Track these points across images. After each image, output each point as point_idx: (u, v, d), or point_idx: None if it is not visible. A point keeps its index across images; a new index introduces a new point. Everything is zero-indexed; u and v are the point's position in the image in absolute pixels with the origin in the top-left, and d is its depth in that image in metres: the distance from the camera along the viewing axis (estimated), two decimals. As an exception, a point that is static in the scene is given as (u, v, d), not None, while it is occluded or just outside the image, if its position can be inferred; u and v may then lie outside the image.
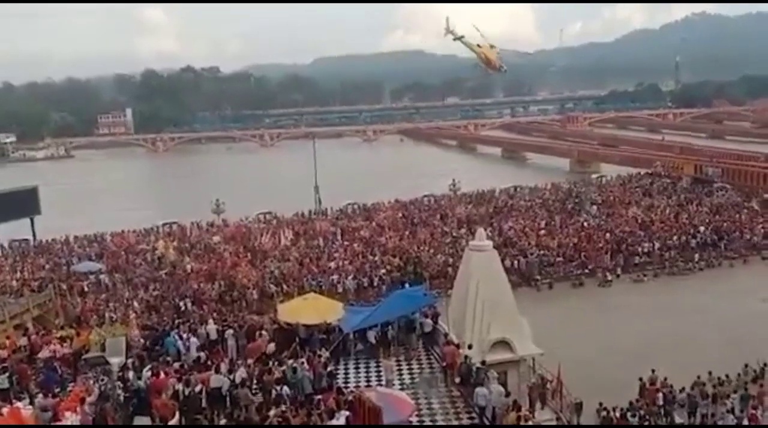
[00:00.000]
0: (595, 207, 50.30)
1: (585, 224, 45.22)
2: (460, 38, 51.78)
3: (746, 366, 23.52)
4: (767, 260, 39.97)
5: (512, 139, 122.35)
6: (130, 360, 17.78)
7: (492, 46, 53.16)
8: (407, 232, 45.71)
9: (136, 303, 31.44)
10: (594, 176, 67.33)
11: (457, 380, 17.38)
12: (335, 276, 35.75)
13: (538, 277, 37.14)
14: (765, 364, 23.72)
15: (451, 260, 37.12)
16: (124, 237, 48.44)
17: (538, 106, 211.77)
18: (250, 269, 37.23)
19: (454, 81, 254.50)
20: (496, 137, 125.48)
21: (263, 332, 20.52)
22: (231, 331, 20.93)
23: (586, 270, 37.93)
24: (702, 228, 42.73)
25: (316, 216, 51.64)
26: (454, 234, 44.26)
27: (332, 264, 37.97)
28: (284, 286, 34.17)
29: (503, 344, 19.94)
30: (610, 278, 37.20)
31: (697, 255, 39.52)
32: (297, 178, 68.09)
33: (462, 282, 21.74)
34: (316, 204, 54.78)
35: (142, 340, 20.70)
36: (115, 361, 16.41)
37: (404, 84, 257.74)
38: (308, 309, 20.87)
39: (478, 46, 52.46)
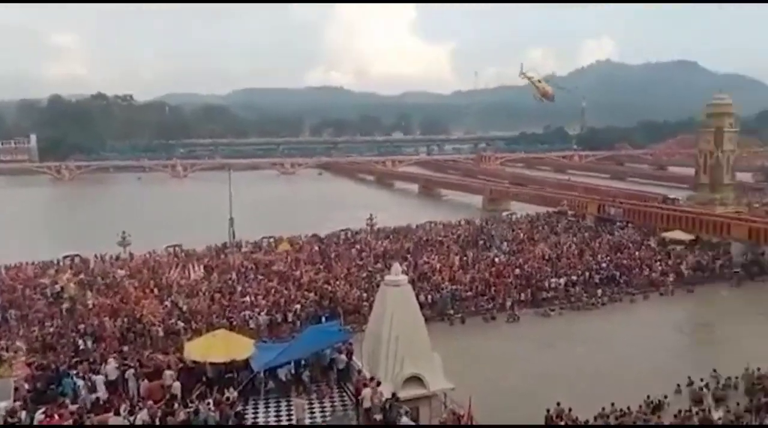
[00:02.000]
0: (505, 243, 51.85)
1: (496, 260, 46.45)
2: (528, 77, 66.07)
3: (648, 397, 24.61)
4: (665, 296, 42.20)
5: (429, 175, 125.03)
6: (18, 404, 16.48)
7: (547, 81, 68.98)
8: (323, 267, 45.43)
9: (20, 343, 29.00)
10: (505, 213, 69.57)
11: (376, 416, 17.19)
12: (247, 312, 34.82)
13: (451, 312, 37.62)
14: (665, 396, 24.88)
15: (366, 295, 37.13)
16: (21, 270, 45.45)
17: (453, 144, 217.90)
18: (157, 304, 35.64)
19: (374, 118, 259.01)
20: (414, 173, 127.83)
21: (168, 371, 19.60)
22: (132, 371, 19.87)
23: (497, 305, 38.81)
24: (604, 265, 44.91)
25: (230, 250, 50.40)
26: (371, 268, 44.35)
27: (245, 300, 37.04)
28: (192, 323, 32.91)
29: (416, 379, 19.94)
30: (518, 313, 38.19)
31: (600, 291, 41.28)
32: (210, 210, 66.44)
33: (377, 317, 21.67)
34: (229, 237, 53.46)
35: (26, 385, 19.15)
36: (1, 405, 15.16)
37: (324, 119, 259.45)
38: (217, 347, 20.14)
39: (539, 81, 67.09)
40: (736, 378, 26.53)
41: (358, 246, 52.40)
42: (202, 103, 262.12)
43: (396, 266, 22.66)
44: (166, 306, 35.74)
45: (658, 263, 46.03)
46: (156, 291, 38.87)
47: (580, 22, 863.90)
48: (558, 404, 23.01)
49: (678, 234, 51.66)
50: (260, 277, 42.63)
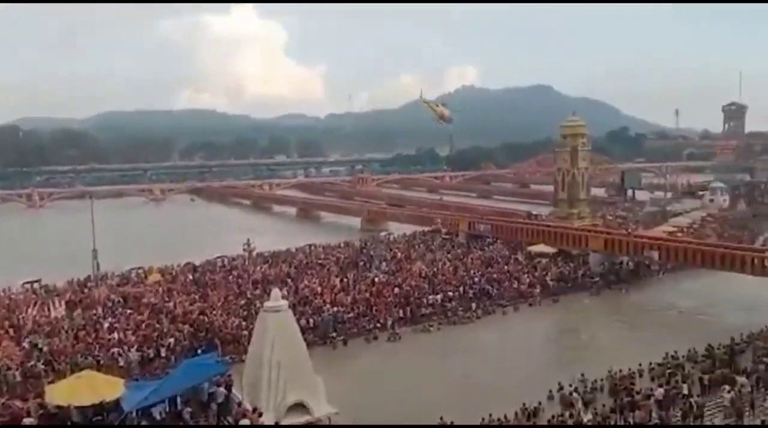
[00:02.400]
0: (384, 263, 52.62)
1: (376, 280, 46.98)
2: (426, 102, 73.17)
3: (524, 405, 25.76)
4: (533, 306, 44.62)
5: (307, 198, 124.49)
6: None
7: (444, 105, 78.57)
8: (198, 296, 43.72)
9: None
10: (383, 234, 70.69)
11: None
12: (116, 349, 32.68)
13: (333, 334, 37.49)
14: (539, 403, 26.17)
15: (245, 323, 36.13)
16: None
17: (330, 167, 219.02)
18: (13, 346, 32.54)
19: (248, 141, 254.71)
20: (291, 196, 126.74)
21: (28, 419, 17.90)
22: (-16, 422, 17.97)
23: (378, 325, 39.17)
24: (477, 279, 46.82)
25: (94, 283, 47.17)
26: (249, 295, 43.27)
27: (112, 336, 34.74)
28: (54, 364, 30.36)
29: (300, 406, 19.61)
30: (398, 331, 38.76)
31: (474, 305, 42.92)
32: (71, 241, 61.99)
33: (257, 345, 21.16)
34: (93, 270, 49.99)
35: None
36: None
37: (195, 142, 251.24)
38: (82, 389, 18.66)
39: (437, 105, 76.38)
40: (601, 380, 28.51)
41: (235, 273, 51.00)
42: (60, 127, 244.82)
43: (275, 291, 22.30)
44: (24, 347, 32.76)
45: (526, 275, 48.61)
46: (12, 332, 35.53)
47: (446, 50, 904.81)
48: (441, 418, 23.56)
49: (542, 248, 54.91)
50: (129, 311, 40.18)
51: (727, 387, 25.93)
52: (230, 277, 49.55)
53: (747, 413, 24.36)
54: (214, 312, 38.98)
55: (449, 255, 56.13)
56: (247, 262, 54.89)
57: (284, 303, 21.84)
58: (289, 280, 47.47)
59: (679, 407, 24.88)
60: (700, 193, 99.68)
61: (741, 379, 26.64)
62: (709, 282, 47.44)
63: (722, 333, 33.54)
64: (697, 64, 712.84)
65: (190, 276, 50.32)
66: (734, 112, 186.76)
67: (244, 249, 56.65)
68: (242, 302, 41.59)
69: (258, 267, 52.55)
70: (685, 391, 26.27)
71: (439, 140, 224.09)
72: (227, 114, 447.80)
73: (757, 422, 23.84)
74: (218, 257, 56.57)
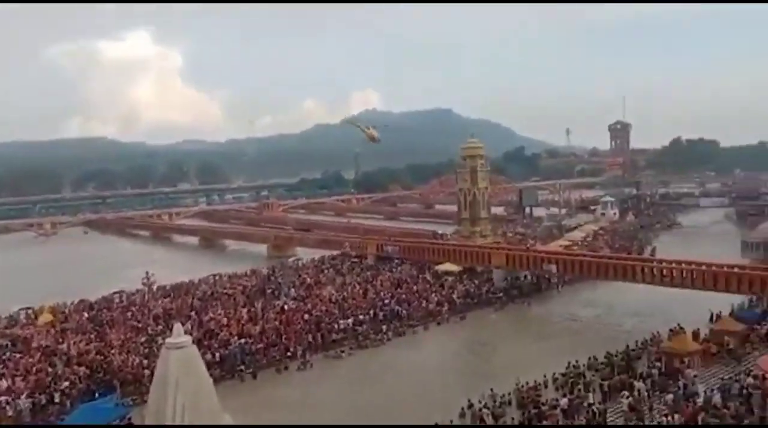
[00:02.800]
0: (293, 290, 51.86)
1: (285, 307, 46.18)
2: (354, 123, 77.60)
3: (436, 424, 25.93)
4: (442, 324, 45.26)
5: (210, 226, 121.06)
6: None
7: (374, 127, 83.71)
8: (95, 335, 41.27)
9: None
10: (291, 259, 69.76)
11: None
12: (4, 398, 30.18)
13: (242, 367, 36.33)
14: (451, 421, 26.43)
15: (146, 361, 34.42)
16: None
17: (234, 193, 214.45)
18: None
19: (145, 169, 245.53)
20: (193, 226, 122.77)
21: None
22: None
23: (289, 354, 38.37)
24: (387, 301, 47.03)
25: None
26: (150, 331, 41.37)
27: (0, 383, 32.06)
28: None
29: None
30: (310, 359, 38.13)
31: (385, 327, 43.02)
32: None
33: (159, 384, 20.04)
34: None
35: None
36: None
37: (87, 172, 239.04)
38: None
39: (367, 128, 79.59)
40: (509, 394, 29.21)
41: (134, 309, 48.64)
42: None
43: (177, 326, 21.30)
44: None
45: (434, 294, 49.35)
46: None
47: (348, 74, 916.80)
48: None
49: (448, 266, 56.07)
50: (18, 355, 37.36)
51: (626, 393, 27.30)
52: (129, 314, 47.33)
53: (646, 415, 25.69)
54: (113, 351, 37.00)
55: (359, 278, 56.16)
56: (146, 297, 52.59)
57: (187, 338, 20.88)
58: (192, 313, 45.85)
59: (582, 415, 25.87)
60: (592, 207, 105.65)
61: (638, 384, 28.12)
62: (605, 292, 50.05)
63: (620, 340, 35.41)
64: (585, 86, 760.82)
65: (85, 315, 47.67)
66: (619, 131, 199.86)
67: (143, 283, 54.22)
68: (142, 339, 39.74)
69: (159, 302, 50.51)
70: (591, 400, 27.36)
71: (344, 163, 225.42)
72: (120, 141, 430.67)
73: (655, 423, 25.11)
74: (115, 293, 53.88)
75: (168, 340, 20.97)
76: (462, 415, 27.65)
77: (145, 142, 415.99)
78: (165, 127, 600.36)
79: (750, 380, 26.80)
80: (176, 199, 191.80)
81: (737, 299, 40.95)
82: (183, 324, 22.78)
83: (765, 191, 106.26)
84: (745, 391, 25.63)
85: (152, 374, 24.01)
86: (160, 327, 41.95)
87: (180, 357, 19.91)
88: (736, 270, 41.97)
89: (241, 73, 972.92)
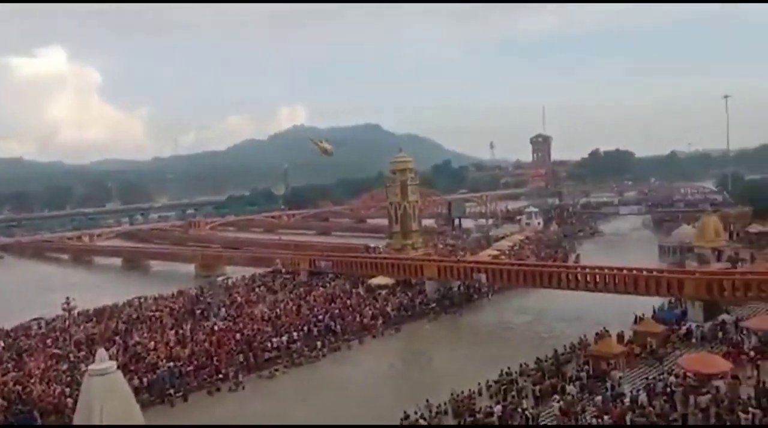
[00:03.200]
0: (223, 309, 50.62)
1: (215, 328, 44.97)
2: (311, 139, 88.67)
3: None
4: (377, 338, 45.19)
5: (133, 247, 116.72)
6: None
7: (327, 140, 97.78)
8: (12, 365, 38.92)
9: None
10: (220, 278, 68.15)
11: None
12: None
13: (171, 391, 35.05)
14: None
15: (68, 390, 32.75)
16: None
17: (158, 212, 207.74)
18: None
19: (63, 190, 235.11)
20: (116, 247, 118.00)
21: None
22: None
23: (220, 376, 37.31)
24: (321, 317, 46.58)
25: None
26: (72, 358, 39.40)
27: None
28: None
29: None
30: (242, 379, 37.20)
31: (319, 342, 42.54)
32: None
33: (83, 414, 19.04)
34: None
35: None
36: None
37: (1, 194, 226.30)
38: None
39: (321, 142, 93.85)
40: (445, 404, 29.41)
41: (54, 335, 46.21)
42: None
43: (101, 352, 20.34)
44: None
45: (368, 308, 49.28)
46: None
47: (274, 91, 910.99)
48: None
49: (381, 280, 56.21)
50: None
51: (557, 397, 28.01)
52: (48, 341, 44.86)
53: (579, 417, 26.40)
54: (32, 380, 35.04)
55: (291, 295, 55.44)
56: (67, 322, 50.04)
57: (112, 364, 19.95)
58: (117, 338, 43.96)
59: (516, 421, 26.33)
60: (518, 217, 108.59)
61: (568, 387, 28.93)
62: (534, 299, 51.39)
63: (550, 346, 36.37)
64: (508, 100, 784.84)
65: (1, 344, 44.84)
66: (541, 143, 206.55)
67: (63, 309, 51.67)
68: (64, 367, 37.85)
69: (81, 327, 48.18)
70: (524, 405, 27.89)
71: (273, 180, 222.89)
72: (37, 161, 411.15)
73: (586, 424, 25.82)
74: (34, 319, 51.16)
75: (91, 367, 19.98)
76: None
77: (62, 162, 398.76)
78: (84, 146, 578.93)
79: (672, 378, 28.07)
80: (97, 219, 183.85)
81: (657, 301, 42.90)
82: (107, 350, 21.84)
83: (678, 198, 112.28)
84: (668, 389, 26.79)
85: (75, 403, 22.84)
86: (83, 353, 40.06)
87: (104, 384, 19.00)
88: (654, 273, 44.00)
89: (162, 89, 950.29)
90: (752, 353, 30.48)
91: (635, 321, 38.84)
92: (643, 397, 26.57)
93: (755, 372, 27.70)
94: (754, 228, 71.48)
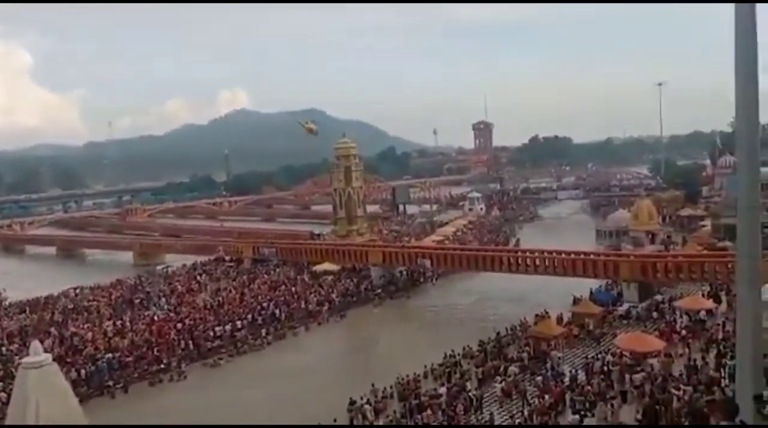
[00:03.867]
0: (163, 299, 49.50)
1: (155, 317, 43.97)
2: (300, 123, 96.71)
3: (318, 424, 25.85)
4: (322, 324, 45.14)
5: (67, 236, 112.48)
6: None
7: (314, 121, 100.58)
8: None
9: None
10: (160, 267, 66.54)
11: None
12: None
13: (111, 383, 34.15)
14: (335, 419, 26.40)
15: (2, 384, 31.44)
16: None
17: (94, 199, 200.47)
18: None
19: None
20: (49, 235, 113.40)
21: None
22: None
23: (162, 366, 36.55)
24: (265, 304, 46.15)
25: None
26: (5, 351, 37.87)
27: None
28: None
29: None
30: (184, 369, 36.56)
31: (264, 330, 42.19)
32: None
33: (17, 408, 18.20)
34: None
35: None
36: None
37: None
38: None
39: (306, 122, 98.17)
40: (391, 387, 29.68)
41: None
42: None
43: (35, 344, 19.46)
44: None
45: (313, 295, 49.12)
46: None
47: (213, 74, 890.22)
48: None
49: (326, 266, 56.07)
50: None
51: (499, 378, 28.69)
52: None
53: (515, 397, 27.11)
54: (-41, 377, 33.30)
55: (234, 283, 54.67)
56: (-2, 314, 47.96)
57: (47, 356, 19.13)
58: (52, 329, 42.40)
59: (460, 402, 26.82)
60: (461, 203, 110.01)
61: (510, 368, 29.64)
62: (476, 282, 52.32)
63: (492, 328, 37.07)
64: (450, 87, 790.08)
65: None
66: (483, 130, 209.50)
67: (-7, 300, 49.45)
68: (-5, 361, 36.19)
69: (13, 319, 46.16)
70: (468, 387, 28.42)
71: (213, 166, 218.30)
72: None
73: (525, 403, 26.51)
74: (-40, 312, 48.59)
75: (25, 359, 19.20)
76: (349, 411, 27.70)
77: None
78: (15, 130, 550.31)
79: (609, 357, 29.10)
80: (29, 207, 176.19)
81: (595, 283, 44.36)
82: (42, 342, 21.02)
83: (614, 183, 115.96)
84: (605, 368, 27.77)
85: (9, 397, 21.94)
86: (16, 345, 38.48)
87: (39, 377, 18.23)
88: (591, 256, 45.45)
89: (97, 72, 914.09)
90: (683, 332, 31.87)
91: (573, 303, 40.08)
92: (581, 376, 27.50)
93: (686, 350, 29.03)
94: (686, 211, 74.72)
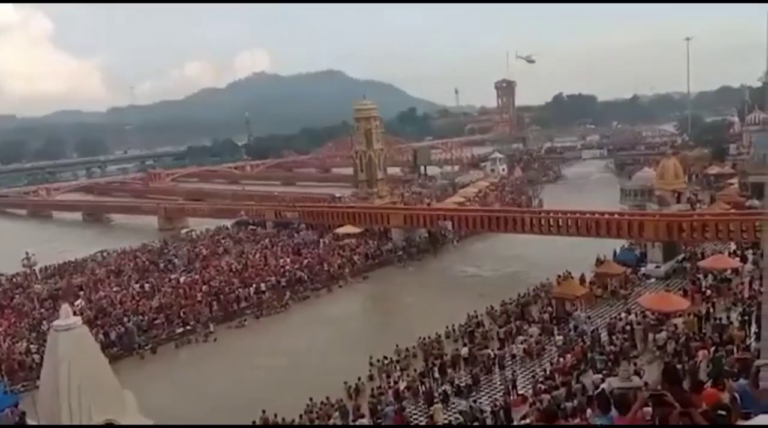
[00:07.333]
0: (188, 262, 50.22)
1: (181, 280, 44.70)
2: None
3: (346, 383, 26.38)
4: (344, 286, 45.55)
5: (93, 201, 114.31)
6: None
7: None
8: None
9: None
10: (184, 231, 67.39)
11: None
12: None
13: (139, 344, 35.00)
14: (359, 378, 26.90)
15: (34, 346, 32.41)
16: None
17: (117, 165, 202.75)
18: None
19: (17, 144, 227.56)
20: (75, 201, 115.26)
21: None
22: None
23: (188, 327, 37.31)
24: (288, 267, 46.61)
25: None
26: (36, 315, 38.85)
27: None
28: None
29: (109, 426, 17.90)
30: (212, 330, 37.29)
31: (288, 293, 42.72)
32: None
33: (50, 370, 18.68)
34: None
35: None
36: None
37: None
38: None
39: None
40: (414, 347, 30.02)
41: (16, 292, 45.38)
42: None
43: (65, 307, 19.88)
44: None
45: (335, 257, 49.46)
46: None
47: (233, 35, 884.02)
48: (263, 412, 23.17)
49: (348, 229, 56.21)
50: None
51: (520, 338, 28.81)
52: (11, 298, 44.03)
53: (536, 357, 27.28)
54: (-5, 338, 34.46)
55: (258, 246, 55.21)
56: (29, 279, 49.08)
57: (77, 319, 19.49)
58: (81, 293, 43.41)
59: (481, 362, 27.05)
60: (483, 164, 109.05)
61: (531, 329, 29.73)
62: (499, 244, 52.20)
63: (514, 289, 37.08)
64: (472, 45, 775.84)
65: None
66: (505, 89, 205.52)
67: (23, 265, 50.47)
68: (28, 323, 37.21)
69: (43, 283, 47.31)
70: (490, 347, 28.62)
71: (234, 130, 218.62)
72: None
73: (545, 363, 26.65)
74: (-8, 276, 49.91)
75: (55, 323, 19.65)
76: (371, 372, 28.11)
77: (15, 115, 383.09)
78: (37, 97, 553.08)
79: (632, 317, 29.03)
80: (54, 173, 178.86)
81: (619, 245, 43.93)
82: (71, 305, 21.51)
83: (639, 142, 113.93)
84: (628, 327, 27.72)
85: (41, 359, 22.60)
86: (46, 310, 39.49)
87: (70, 340, 18.65)
88: (615, 216, 44.95)
89: (118, 36, 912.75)
90: (708, 291, 31.60)
91: (596, 264, 39.82)
92: (603, 336, 27.50)
93: (711, 310, 28.80)
94: (713, 169, 73.26)
